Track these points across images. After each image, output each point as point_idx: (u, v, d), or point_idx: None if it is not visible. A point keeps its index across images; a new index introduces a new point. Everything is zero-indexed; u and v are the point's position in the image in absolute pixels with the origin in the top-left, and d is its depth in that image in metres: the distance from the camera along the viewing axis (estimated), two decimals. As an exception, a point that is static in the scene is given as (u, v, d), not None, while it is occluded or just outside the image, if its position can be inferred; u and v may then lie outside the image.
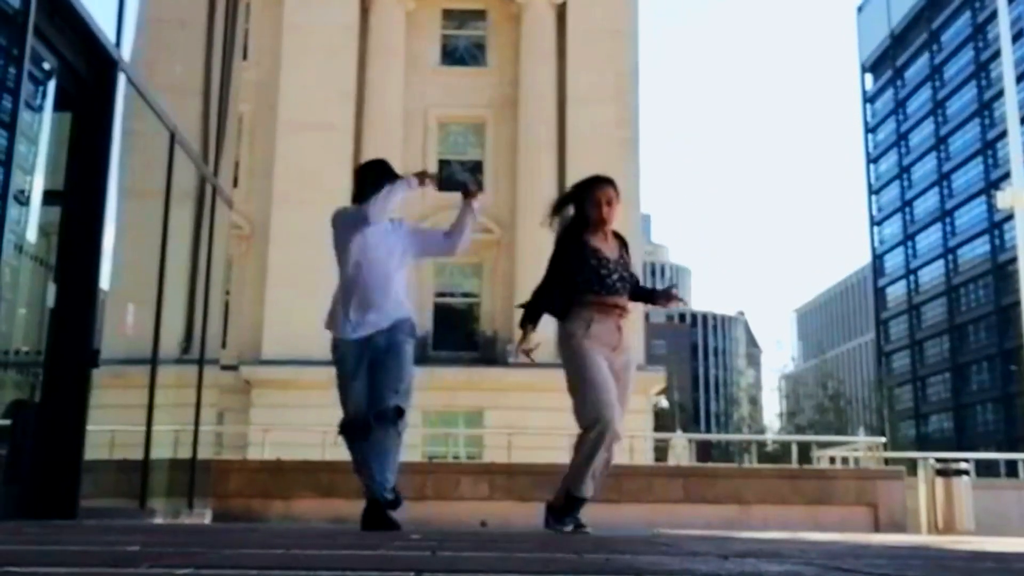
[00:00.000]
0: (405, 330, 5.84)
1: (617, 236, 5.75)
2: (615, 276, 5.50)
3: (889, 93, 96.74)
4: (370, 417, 5.65)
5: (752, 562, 2.81)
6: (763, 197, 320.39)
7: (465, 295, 29.33)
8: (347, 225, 5.86)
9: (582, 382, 5.41)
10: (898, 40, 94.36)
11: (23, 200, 6.29)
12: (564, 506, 5.49)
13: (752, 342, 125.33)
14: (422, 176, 5.96)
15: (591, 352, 5.41)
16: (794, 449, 19.44)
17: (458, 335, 28.49)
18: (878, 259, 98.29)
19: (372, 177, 5.94)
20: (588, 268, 5.47)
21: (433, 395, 26.48)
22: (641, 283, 5.86)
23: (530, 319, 5.58)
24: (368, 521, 5.59)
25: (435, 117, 29.45)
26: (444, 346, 28.12)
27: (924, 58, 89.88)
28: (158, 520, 7.91)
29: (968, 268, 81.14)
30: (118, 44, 6.95)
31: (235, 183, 11.53)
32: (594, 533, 5.34)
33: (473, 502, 12.96)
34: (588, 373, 5.39)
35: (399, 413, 5.67)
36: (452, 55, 30.53)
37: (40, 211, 6.60)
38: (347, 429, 5.76)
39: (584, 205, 5.61)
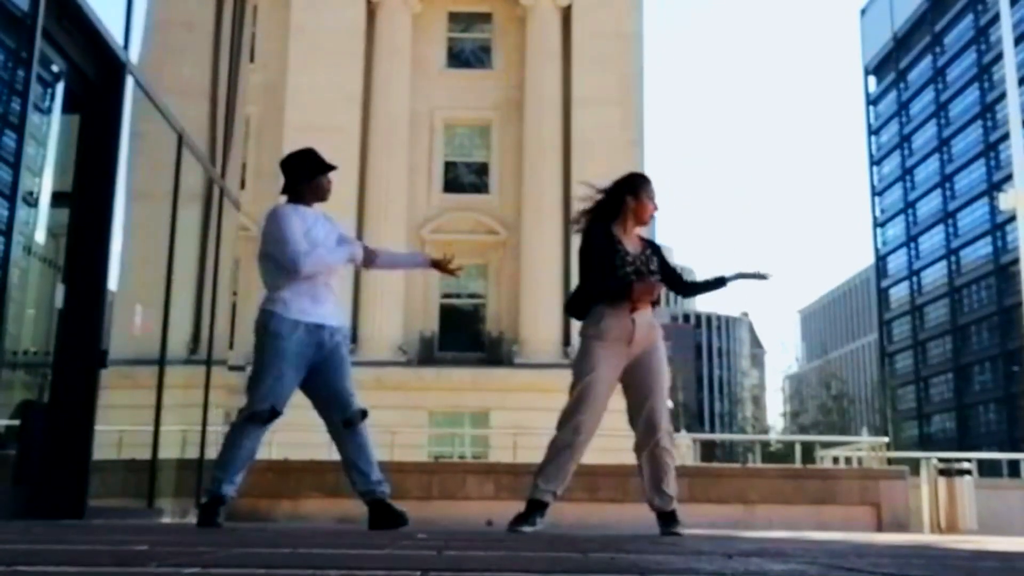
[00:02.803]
0: None
1: (645, 241, 5.67)
2: (629, 270, 5.40)
3: (892, 95, 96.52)
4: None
5: (756, 561, 2.83)
6: (767, 199, 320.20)
7: (471, 296, 29.34)
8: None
9: (575, 390, 5.43)
10: (901, 43, 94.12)
11: (32, 202, 6.32)
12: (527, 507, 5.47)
13: (756, 343, 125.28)
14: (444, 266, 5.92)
15: (598, 361, 5.36)
16: (798, 449, 19.40)
17: (464, 336, 28.52)
18: (881, 260, 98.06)
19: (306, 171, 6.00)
20: (607, 260, 5.39)
21: (439, 395, 26.58)
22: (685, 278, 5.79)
23: (574, 314, 5.59)
24: (381, 521, 5.54)
25: (441, 119, 29.49)
26: (450, 347, 28.19)
27: (927, 61, 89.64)
28: (166, 520, 7.93)
29: (971, 269, 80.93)
30: (126, 47, 6.97)
31: (242, 185, 11.57)
32: (610, 534, 5.34)
33: (479, 502, 12.96)
34: (582, 386, 5.38)
35: None
36: (458, 58, 30.57)
37: (49, 213, 6.62)
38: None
39: (629, 199, 5.52)
